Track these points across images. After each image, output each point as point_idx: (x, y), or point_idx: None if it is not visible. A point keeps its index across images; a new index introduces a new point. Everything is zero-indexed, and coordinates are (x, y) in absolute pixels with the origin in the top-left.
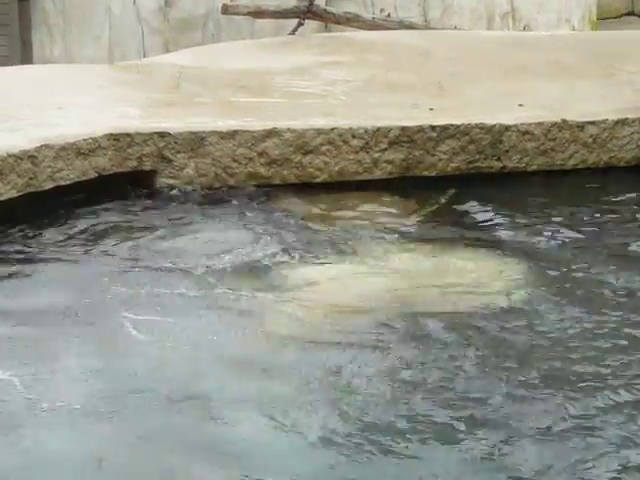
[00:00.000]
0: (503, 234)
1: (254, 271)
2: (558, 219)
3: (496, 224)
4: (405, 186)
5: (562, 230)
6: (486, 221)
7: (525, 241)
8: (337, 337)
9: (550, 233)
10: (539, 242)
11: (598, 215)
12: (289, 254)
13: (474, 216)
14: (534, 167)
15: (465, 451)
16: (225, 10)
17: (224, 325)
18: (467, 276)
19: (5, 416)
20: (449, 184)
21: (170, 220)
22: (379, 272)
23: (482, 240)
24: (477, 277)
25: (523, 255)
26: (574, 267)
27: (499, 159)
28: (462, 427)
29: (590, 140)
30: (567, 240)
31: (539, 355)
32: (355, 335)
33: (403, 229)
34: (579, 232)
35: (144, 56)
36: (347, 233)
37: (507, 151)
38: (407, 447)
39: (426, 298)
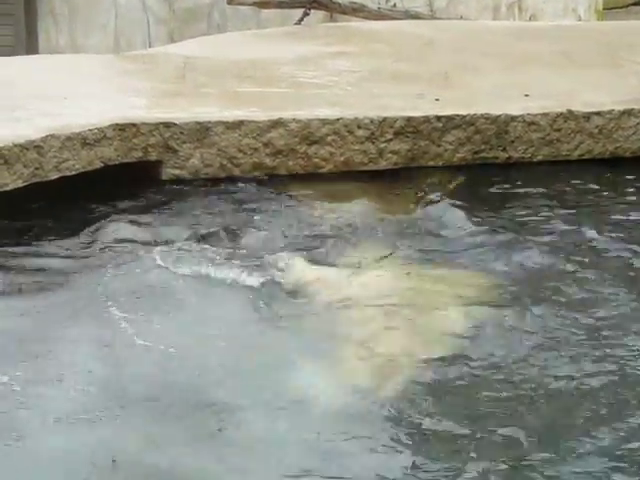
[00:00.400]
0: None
1: (261, 267)
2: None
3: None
4: (411, 175)
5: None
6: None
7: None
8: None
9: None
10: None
11: (601, 210)
12: (296, 251)
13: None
14: (539, 157)
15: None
16: (231, 0)
17: (235, 326)
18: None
19: (5, 421)
20: (455, 174)
21: (176, 213)
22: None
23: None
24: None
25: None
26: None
27: (505, 149)
28: None
29: (596, 131)
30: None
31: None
32: None
33: (407, 227)
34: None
35: (149, 46)
36: (350, 228)
37: (513, 141)
38: None
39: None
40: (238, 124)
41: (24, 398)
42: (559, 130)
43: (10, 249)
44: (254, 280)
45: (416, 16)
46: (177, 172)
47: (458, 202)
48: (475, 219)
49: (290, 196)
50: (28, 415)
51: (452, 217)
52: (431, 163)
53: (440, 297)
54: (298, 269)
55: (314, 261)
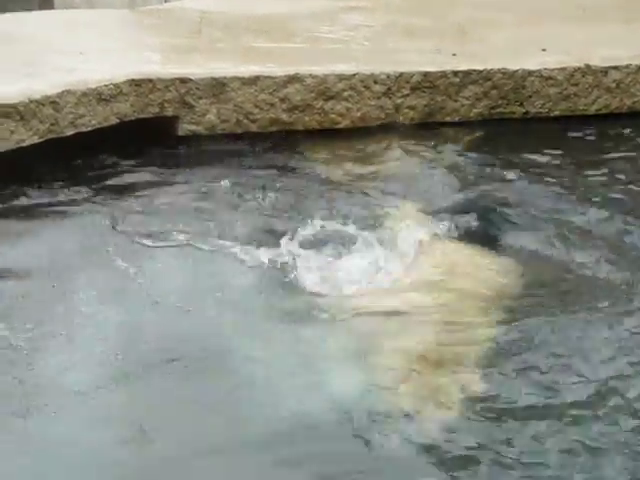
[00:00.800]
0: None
1: (274, 234)
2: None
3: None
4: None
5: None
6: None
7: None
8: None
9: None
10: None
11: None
12: (313, 220)
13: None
14: (557, 113)
15: None
16: None
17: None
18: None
19: (16, 388)
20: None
21: (189, 170)
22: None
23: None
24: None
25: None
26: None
27: (522, 104)
28: None
29: (613, 85)
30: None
31: None
32: None
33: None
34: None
35: (165, 1)
36: (351, 196)
37: (530, 96)
38: None
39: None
40: (254, 79)
41: (34, 362)
42: (576, 85)
43: (23, 202)
44: (266, 249)
45: None
46: (193, 128)
47: (476, 163)
48: (488, 187)
49: (306, 154)
50: (39, 381)
51: (472, 185)
52: (448, 119)
53: (473, 286)
54: (313, 237)
55: (331, 229)
